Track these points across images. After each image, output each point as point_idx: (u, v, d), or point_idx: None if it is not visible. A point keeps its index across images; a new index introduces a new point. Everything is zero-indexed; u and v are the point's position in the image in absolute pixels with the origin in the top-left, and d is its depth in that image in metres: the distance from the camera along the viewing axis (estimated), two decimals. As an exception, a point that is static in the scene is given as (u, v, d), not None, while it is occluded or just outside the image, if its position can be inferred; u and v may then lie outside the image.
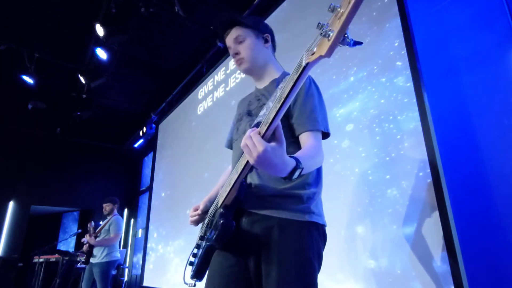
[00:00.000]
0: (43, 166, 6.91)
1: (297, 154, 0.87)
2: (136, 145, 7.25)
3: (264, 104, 1.11)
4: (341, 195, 2.18)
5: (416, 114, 1.85)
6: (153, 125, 6.19)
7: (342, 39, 0.55)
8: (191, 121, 4.76)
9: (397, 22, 2.07)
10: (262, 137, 0.76)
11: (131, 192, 7.64)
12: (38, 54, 4.69)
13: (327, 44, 0.55)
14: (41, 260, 5.68)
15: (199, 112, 4.57)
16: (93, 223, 3.92)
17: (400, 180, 1.88)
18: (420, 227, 1.73)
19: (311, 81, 1.11)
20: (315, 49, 0.59)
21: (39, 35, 4.50)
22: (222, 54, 4.28)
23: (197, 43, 4.51)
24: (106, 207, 4.02)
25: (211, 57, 4.47)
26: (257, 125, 0.83)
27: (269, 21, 3.38)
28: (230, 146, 1.33)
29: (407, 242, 1.77)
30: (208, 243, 1.02)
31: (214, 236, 0.95)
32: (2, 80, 5.39)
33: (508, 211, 1.66)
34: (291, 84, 0.68)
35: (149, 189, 5.85)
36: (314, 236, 1.00)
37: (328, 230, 1.08)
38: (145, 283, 5.08)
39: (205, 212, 1.20)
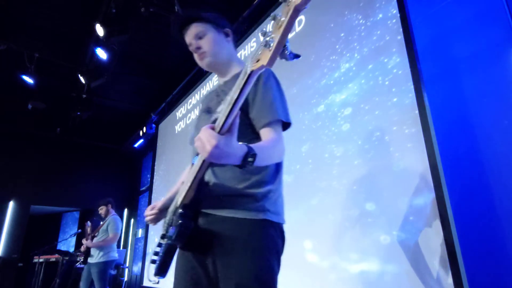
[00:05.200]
0: (43, 166, 6.91)
1: (251, 144, 0.86)
2: (136, 145, 7.24)
3: (222, 100, 1.09)
4: (344, 179, 2.18)
5: (416, 114, 1.85)
6: (153, 125, 6.18)
7: (281, 50, 0.55)
8: (191, 121, 4.76)
9: (397, 22, 2.07)
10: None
11: (131, 192, 7.64)
12: (38, 54, 4.69)
13: (268, 55, 0.55)
14: (41, 260, 5.68)
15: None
16: (89, 223, 3.91)
17: (400, 180, 1.88)
18: (419, 227, 1.73)
19: (270, 74, 1.10)
20: (260, 56, 0.59)
21: (39, 35, 4.50)
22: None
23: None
24: (101, 210, 4.02)
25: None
26: (214, 122, 0.84)
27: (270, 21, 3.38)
28: (191, 142, 1.30)
29: (407, 242, 1.77)
30: (168, 242, 1.01)
31: (173, 236, 0.94)
32: (2, 80, 5.39)
33: (508, 211, 1.66)
34: (239, 90, 0.69)
35: (149, 189, 5.85)
36: (271, 234, 0.98)
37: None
38: (145, 283, 5.08)
39: (163, 210, 1.18)
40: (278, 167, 1.08)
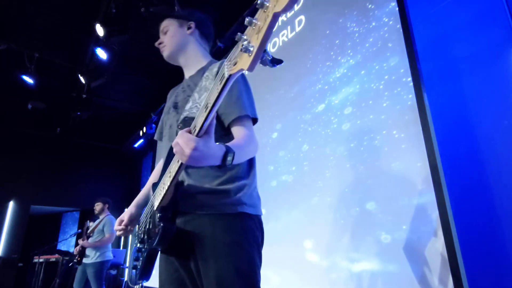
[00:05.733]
0: (43, 166, 6.91)
1: (228, 143, 0.87)
2: (136, 145, 7.24)
3: (189, 96, 1.10)
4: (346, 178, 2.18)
5: (416, 114, 1.85)
6: (153, 125, 6.18)
7: (262, 56, 0.54)
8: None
9: (397, 22, 2.07)
10: None
11: (131, 192, 7.63)
12: (38, 54, 4.69)
13: (248, 59, 0.54)
14: (41, 260, 5.68)
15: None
16: (88, 223, 3.92)
17: (400, 180, 1.88)
18: (419, 227, 1.73)
19: None
20: (237, 60, 0.58)
21: (39, 35, 4.50)
22: (222, 54, 4.28)
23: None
24: (97, 206, 4.05)
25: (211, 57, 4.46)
26: (184, 121, 0.85)
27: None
28: (160, 138, 1.30)
29: (407, 242, 1.77)
30: (149, 247, 1.01)
31: (156, 240, 0.93)
32: (2, 80, 5.39)
33: (508, 212, 1.66)
34: (216, 94, 0.67)
35: (149, 189, 5.84)
36: (249, 227, 0.98)
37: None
38: (145, 283, 5.08)
39: (133, 220, 1.19)
40: (251, 161, 1.10)
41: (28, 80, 4.85)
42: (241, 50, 0.55)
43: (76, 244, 7.35)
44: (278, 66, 0.58)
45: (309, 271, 2.29)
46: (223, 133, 1.05)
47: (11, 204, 6.45)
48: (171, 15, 1.29)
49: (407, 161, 1.87)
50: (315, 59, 2.67)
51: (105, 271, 3.77)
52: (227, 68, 0.62)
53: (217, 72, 1.05)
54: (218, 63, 1.11)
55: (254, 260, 0.95)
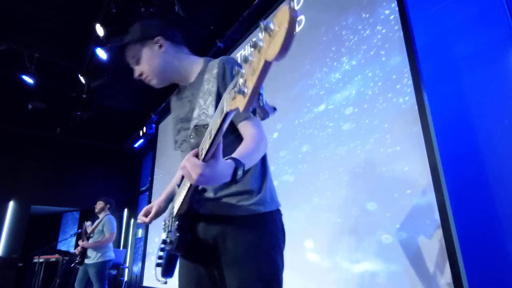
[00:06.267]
0: (43, 166, 6.91)
1: (236, 153, 0.86)
2: (136, 145, 7.24)
3: (196, 105, 1.06)
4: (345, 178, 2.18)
5: (416, 114, 1.85)
6: (153, 125, 6.18)
7: (257, 98, 0.51)
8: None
9: (397, 22, 2.07)
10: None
11: (131, 192, 7.64)
12: (38, 54, 4.68)
13: (243, 101, 0.52)
14: (41, 260, 5.69)
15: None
16: (88, 223, 3.91)
17: (401, 180, 1.88)
18: (419, 227, 1.73)
19: (234, 64, 1.06)
20: (236, 96, 0.55)
21: (39, 35, 4.50)
22: (222, 54, 4.28)
23: (197, 43, 4.50)
24: (98, 205, 4.03)
25: (211, 57, 4.45)
26: (195, 130, 0.88)
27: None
28: (174, 147, 1.26)
29: (407, 242, 1.77)
30: (170, 250, 1.02)
31: (173, 248, 0.95)
32: (2, 80, 5.39)
33: (508, 211, 1.66)
34: (217, 126, 0.65)
35: (149, 189, 5.85)
36: (271, 229, 0.98)
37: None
38: (145, 283, 5.08)
39: (158, 214, 1.17)
40: (264, 159, 1.08)
41: (28, 80, 4.85)
42: (235, 91, 0.54)
43: (76, 244, 7.35)
44: (269, 116, 0.55)
45: (310, 271, 2.29)
46: (237, 134, 1.02)
47: (11, 204, 6.45)
48: (130, 41, 1.12)
49: (407, 161, 1.87)
50: (315, 59, 2.67)
51: (107, 271, 3.77)
52: (226, 102, 0.60)
53: (218, 73, 1.04)
54: (216, 62, 1.08)
55: (277, 264, 0.95)
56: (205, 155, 0.73)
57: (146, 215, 1.17)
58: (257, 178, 1.03)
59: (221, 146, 0.75)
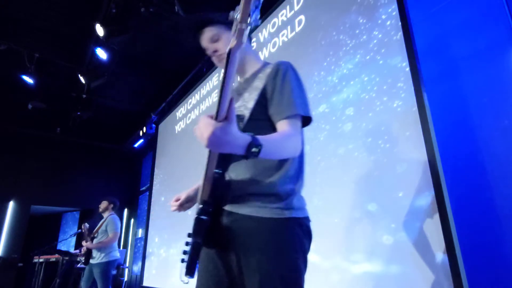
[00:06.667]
0: (43, 166, 6.91)
1: (259, 136, 0.84)
2: (136, 145, 7.24)
3: (240, 98, 1.10)
4: (345, 178, 2.18)
5: (416, 114, 1.85)
6: (153, 125, 6.18)
7: (247, 20, 0.64)
8: (191, 121, 4.76)
9: (397, 22, 2.07)
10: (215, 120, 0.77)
11: (131, 192, 7.64)
12: (38, 54, 4.69)
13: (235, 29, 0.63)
14: (41, 260, 5.69)
15: (199, 112, 4.57)
16: (87, 225, 3.91)
17: (401, 180, 1.88)
18: (419, 228, 1.73)
19: (289, 67, 1.08)
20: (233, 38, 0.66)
21: (39, 35, 4.50)
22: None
23: (197, 43, 4.51)
24: (102, 204, 4.02)
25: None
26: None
27: (270, 21, 3.38)
28: None
29: (408, 242, 1.77)
30: (192, 239, 1.01)
31: (193, 232, 0.94)
32: (2, 80, 5.39)
33: (508, 211, 1.66)
34: (224, 72, 0.73)
35: (149, 189, 5.85)
36: (297, 233, 0.96)
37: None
38: (145, 283, 5.08)
39: (188, 200, 1.18)
40: (300, 164, 1.06)
41: (28, 80, 4.85)
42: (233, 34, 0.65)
43: (76, 244, 7.38)
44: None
45: (310, 272, 2.28)
46: (269, 125, 1.02)
47: (11, 204, 6.46)
48: (217, 21, 1.20)
49: (407, 162, 1.87)
50: (315, 59, 2.67)
51: (112, 271, 3.76)
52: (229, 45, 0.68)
53: (270, 73, 1.06)
54: (272, 64, 1.10)
55: (300, 268, 0.94)
56: (218, 111, 0.74)
57: (176, 201, 1.19)
58: (289, 183, 1.01)
59: (233, 107, 0.76)
